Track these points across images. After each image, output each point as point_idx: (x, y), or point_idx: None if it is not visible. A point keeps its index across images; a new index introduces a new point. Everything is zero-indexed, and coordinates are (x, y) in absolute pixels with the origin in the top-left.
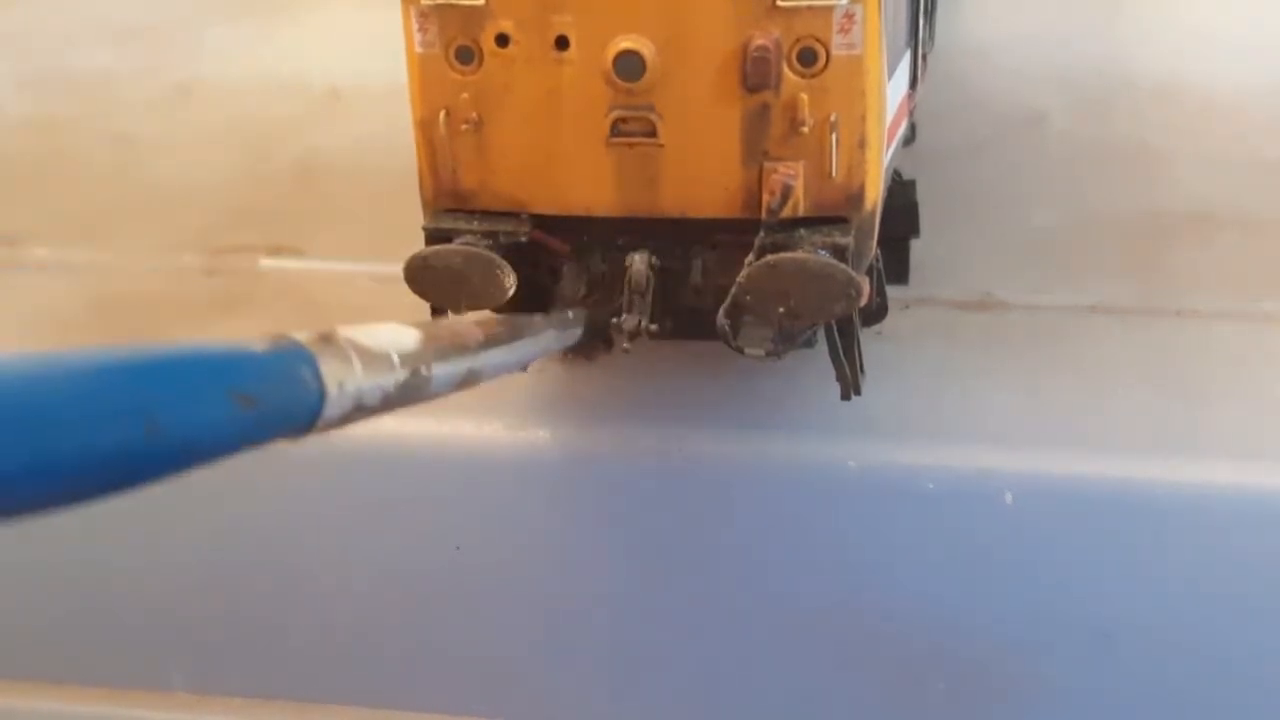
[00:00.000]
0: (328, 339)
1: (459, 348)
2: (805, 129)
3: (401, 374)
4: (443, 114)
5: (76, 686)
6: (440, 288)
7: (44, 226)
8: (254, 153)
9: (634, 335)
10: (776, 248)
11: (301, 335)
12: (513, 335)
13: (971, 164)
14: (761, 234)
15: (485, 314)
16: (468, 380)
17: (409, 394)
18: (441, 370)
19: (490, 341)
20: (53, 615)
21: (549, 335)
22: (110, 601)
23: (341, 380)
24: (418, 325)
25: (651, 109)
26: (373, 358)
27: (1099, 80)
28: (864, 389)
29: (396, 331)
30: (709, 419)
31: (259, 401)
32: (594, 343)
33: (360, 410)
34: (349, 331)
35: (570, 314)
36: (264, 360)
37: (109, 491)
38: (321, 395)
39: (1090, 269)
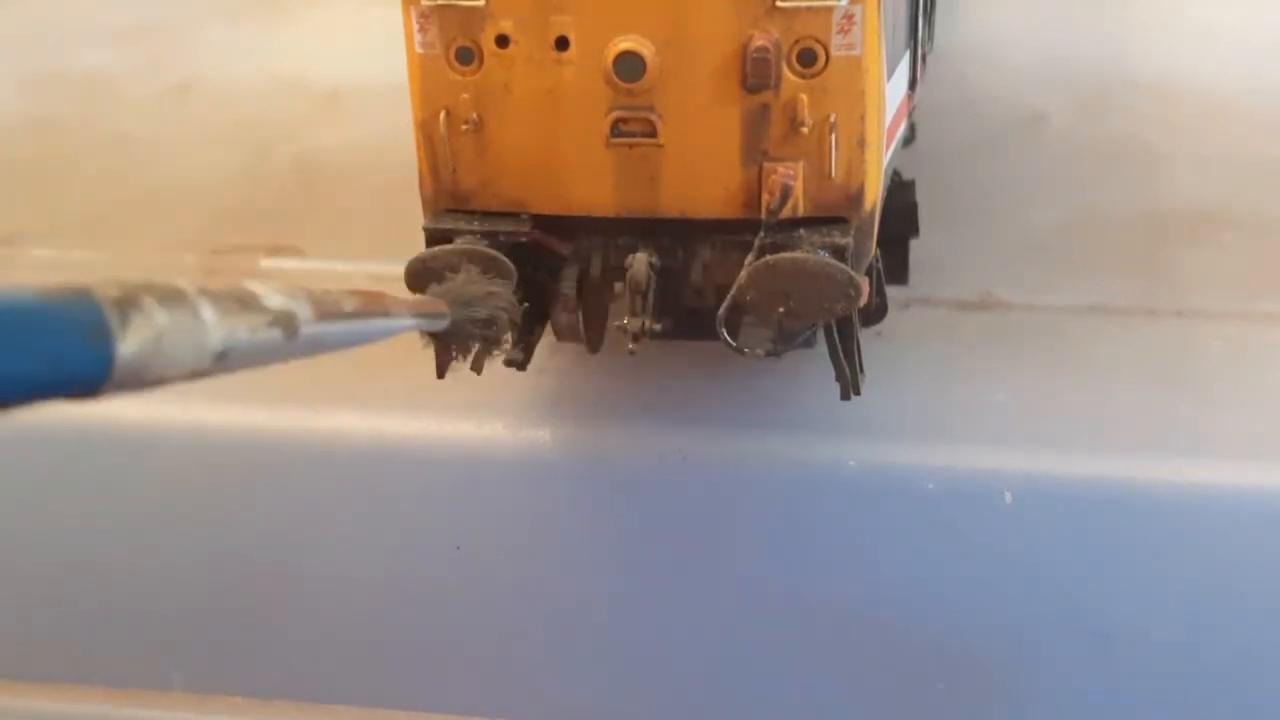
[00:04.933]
0: (127, 296)
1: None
2: (805, 129)
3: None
4: (443, 114)
5: (76, 686)
6: None
7: (44, 226)
8: (254, 152)
9: (638, 337)
10: (776, 248)
11: (97, 288)
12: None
13: (971, 164)
14: (761, 234)
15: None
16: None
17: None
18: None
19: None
20: (53, 615)
21: (405, 320)
22: (110, 601)
23: (135, 336)
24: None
25: (651, 109)
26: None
27: (1099, 80)
28: (864, 389)
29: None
30: (709, 419)
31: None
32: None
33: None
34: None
35: (437, 303)
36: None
37: None
38: (109, 352)
39: (1090, 269)
